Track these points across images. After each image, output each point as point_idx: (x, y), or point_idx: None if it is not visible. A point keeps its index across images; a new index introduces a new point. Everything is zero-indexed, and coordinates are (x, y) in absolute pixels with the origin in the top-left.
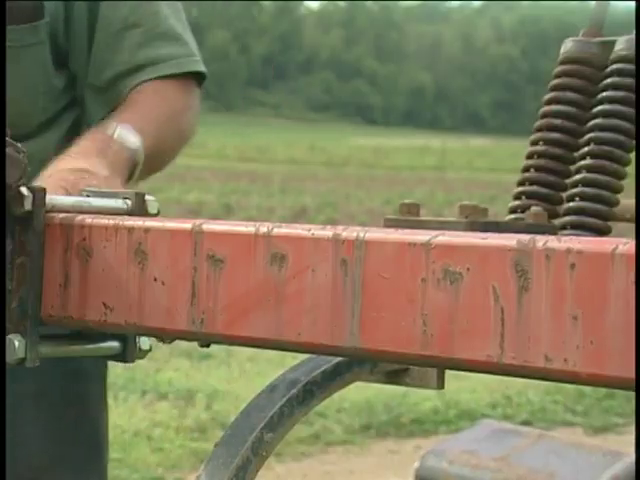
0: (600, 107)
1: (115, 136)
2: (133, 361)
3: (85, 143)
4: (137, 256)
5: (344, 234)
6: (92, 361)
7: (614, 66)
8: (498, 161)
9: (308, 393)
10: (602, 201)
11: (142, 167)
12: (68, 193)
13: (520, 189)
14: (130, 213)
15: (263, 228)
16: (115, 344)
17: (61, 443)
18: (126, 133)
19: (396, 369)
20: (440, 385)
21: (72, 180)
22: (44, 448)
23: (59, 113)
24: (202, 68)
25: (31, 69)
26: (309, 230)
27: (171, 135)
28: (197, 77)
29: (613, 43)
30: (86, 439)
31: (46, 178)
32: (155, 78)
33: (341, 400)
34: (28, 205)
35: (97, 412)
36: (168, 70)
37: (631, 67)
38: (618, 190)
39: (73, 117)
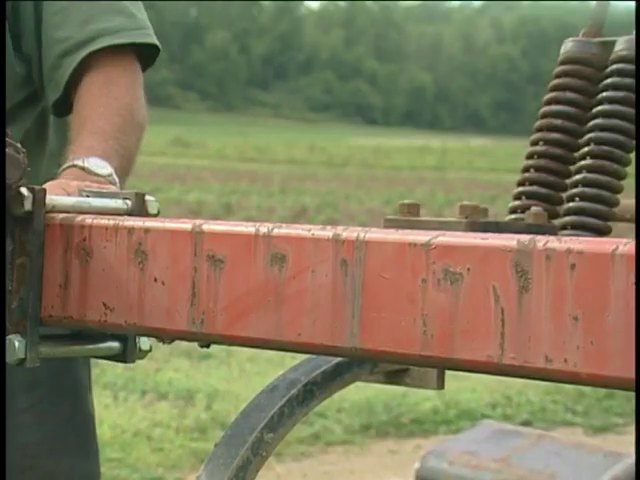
0: (600, 107)
1: (87, 169)
2: (133, 361)
3: (63, 179)
4: (137, 256)
5: (344, 234)
6: None
7: (614, 66)
8: (498, 161)
9: (308, 393)
10: (602, 201)
11: (120, 180)
12: (67, 194)
13: (520, 189)
14: (130, 213)
15: (263, 228)
16: (115, 344)
17: (56, 431)
18: (94, 163)
19: (396, 369)
20: (440, 385)
21: (73, 184)
22: (40, 436)
23: (22, 104)
24: (153, 40)
25: None
26: (309, 230)
27: (132, 137)
28: (147, 50)
29: (613, 43)
30: (79, 425)
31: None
32: (98, 58)
33: (341, 400)
34: (28, 205)
35: (87, 399)
36: (115, 40)
37: (631, 67)
38: (618, 190)
39: (36, 114)
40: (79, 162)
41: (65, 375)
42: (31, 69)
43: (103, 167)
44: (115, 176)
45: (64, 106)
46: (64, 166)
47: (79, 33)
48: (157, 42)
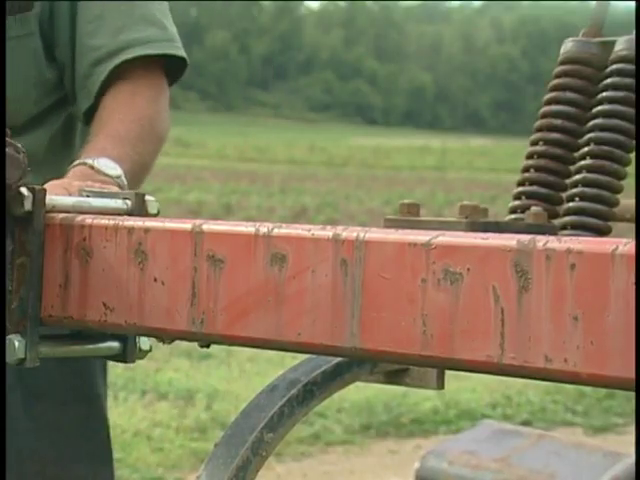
0: (600, 107)
1: (95, 167)
2: (133, 361)
3: (70, 178)
4: (137, 256)
5: (344, 234)
6: (96, 359)
7: (614, 66)
8: (498, 161)
9: (308, 393)
10: (602, 201)
11: (130, 186)
12: (68, 194)
13: (520, 189)
14: (130, 213)
15: (263, 228)
16: (115, 344)
17: (70, 438)
18: (105, 163)
19: (396, 369)
20: (440, 385)
21: (75, 184)
22: (53, 443)
23: (51, 108)
24: (182, 53)
25: (23, 60)
26: (309, 230)
27: (148, 147)
28: (176, 63)
29: (613, 43)
30: (93, 433)
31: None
32: (127, 69)
33: (341, 400)
34: (28, 205)
35: (102, 406)
36: (145, 51)
37: (631, 67)
38: (618, 190)
39: (64, 116)
40: (89, 160)
41: (80, 382)
42: (63, 75)
43: (113, 168)
44: (124, 179)
45: (93, 114)
46: (74, 163)
47: (111, 42)
48: (185, 55)
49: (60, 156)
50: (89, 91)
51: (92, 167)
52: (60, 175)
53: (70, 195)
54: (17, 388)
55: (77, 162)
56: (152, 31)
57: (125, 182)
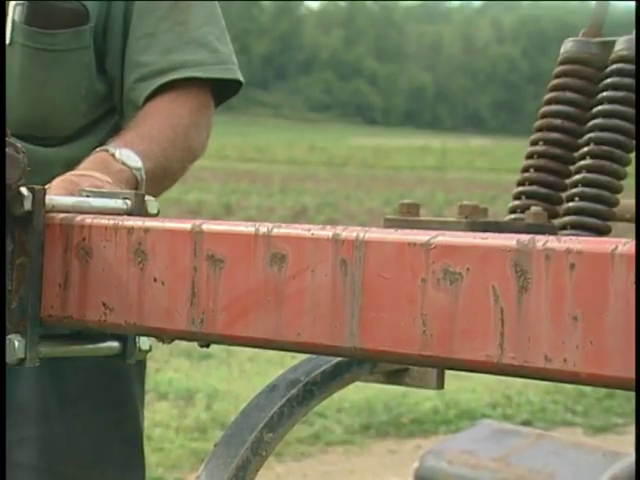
0: (600, 107)
1: (116, 156)
2: (133, 361)
3: (87, 163)
4: (137, 256)
5: (344, 234)
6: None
7: (614, 66)
8: (498, 161)
9: (308, 393)
10: (602, 201)
11: (150, 186)
12: (70, 192)
13: (520, 189)
14: (130, 213)
15: (263, 228)
16: (115, 344)
17: (104, 441)
18: (127, 154)
19: (396, 369)
20: (440, 385)
21: (75, 180)
22: (86, 446)
23: (99, 118)
24: (233, 75)
25: (75, 73)
26: (309, 230)
27: (178, 154)
28: (229, 86)
29: (613, 43)
30: (127, 437)
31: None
32: (173, 86)
33: (341, 400)
34: (28, 205)
35: (137, 411)
36: (193, 74)
37: (631, 67)
38: (618, 190)
39: (112, 124)
40: (111, 149)
41: (116, 386)
42: (113, 88)
43: (135, 160)
44: (144, 173)
45: None
46: (96, 150)
47: (160, 61)
48: (240, 77)
49: None
50: (134, 104)
51: (113, 155)
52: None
53: (71, 194)
54: (51, 390)
55: (99, 149)
56: (203, 54)
57: (144, 177)
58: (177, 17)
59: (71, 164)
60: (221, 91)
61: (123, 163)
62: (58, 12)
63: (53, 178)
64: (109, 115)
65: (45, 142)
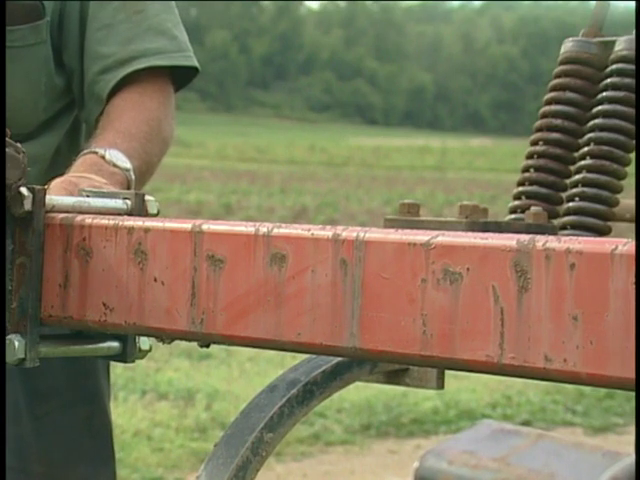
0: (600, 107)
1: (107, 158)
2: (133, 361)
3: (79, 166)
4: (137, 256)
5: (344, 234)
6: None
7: (614, 66)
8: (498, 161)
9: (308, 393)
10: (602, 201)
11: (136, 184)
12: (70, 193)
13: (520, 189)
14: (130, 213)
15: (263, 228)
16: (115, 344)
17: (75, 438)
18: (116, 155)
19: (396, 369)
20: (440, 385)
21: (74, 181)
22: (58, 444)
23: (59, 113)
24: (193, 63)
25: (33, 68)
26: (309, 230)
27: (155, 148)
28: (186, 72)
29: (613, 43)
30: (97, 432)
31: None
32: (136, 76)
33: (341, 400)
34: (28, 205)
35: (105, 405)
36: (155, 62)
37: (631, 67)
38: (618, 190)
39: (71, 118)
40: (100, 150)
41: (85, 382)
42: (71, 81)
43: (123, 161)
44: (132, 174)
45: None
46: (83, 152)
47: (121, 51)
48: (196, 64)
49: (67, 158)
50: (98, 97)
51: (103, 157)
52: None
53: (71, 195)
54: (21, 389)
55: (86, 151)
56: (162, 42)
57: (133, 177)
58: (133, 6)
59: (35, 161)
60: (179, 78)
61: (114, 165)
62: (14, 8)
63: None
64: (68, 110)
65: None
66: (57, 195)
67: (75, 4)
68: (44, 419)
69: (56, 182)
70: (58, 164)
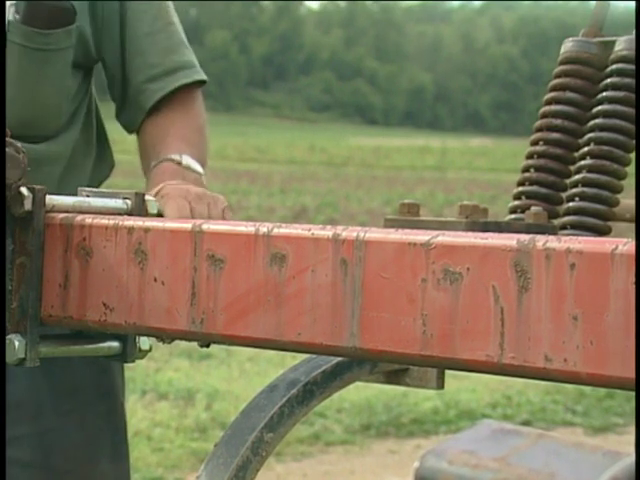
0: (600, 107)
1: (184, 164)
2: (133, 361)
3: (162, 175)
4: (137, 256)
5: (344, 234)
6: None
7: (614, 66)
8: (498, 161)
9: (308, 393)
10: (602, 201)
11: None
12: (187, 202)
13: (520, 189)
14: (130, 213)
15: (263, 228)
16: (115, 344)
17: (95, 434)
18: (191, 162)
19: (396, 369)
20: (440, 385)
21: (185, 188)
22: (80, 440)
23: (74, 113)
24: (204, 77)
25: (62, 72)
26: (309, 230)
27: (205, 154)
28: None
29: (613, 43)
30: (115, 428)
31: (160, 198)
32: (180, 87)
33: (341, 400)
34: (28, 205)
35: (122, 402)
36: (196, 76)
37: (631, 67)
38: (618, 190)
39: (83, 117)
40: (175, 157)
41: (103, 379)
42: (112, 86)
43: (197, 166)
44: (204, 178)
45: (138, 125)
46: (157, 160)
47: (165, 62)
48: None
49: (82, 155)
50: (141, 107)
51: (179, 164)
52: (84, 170)
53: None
54: (46, 386)
55: (160, 158)
56: (190, 56)
57: (205, 182)
58: (166, 17)
59: (57, 159)
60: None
61: (193, 170)
62: (53, 11)
63: (41, 174)
64: (81, 108)
65: (33, 140)
66: (172, 206)
67: (115, 9)
68: (69, 415)
69: (171, 194)
70: (75, 160)
